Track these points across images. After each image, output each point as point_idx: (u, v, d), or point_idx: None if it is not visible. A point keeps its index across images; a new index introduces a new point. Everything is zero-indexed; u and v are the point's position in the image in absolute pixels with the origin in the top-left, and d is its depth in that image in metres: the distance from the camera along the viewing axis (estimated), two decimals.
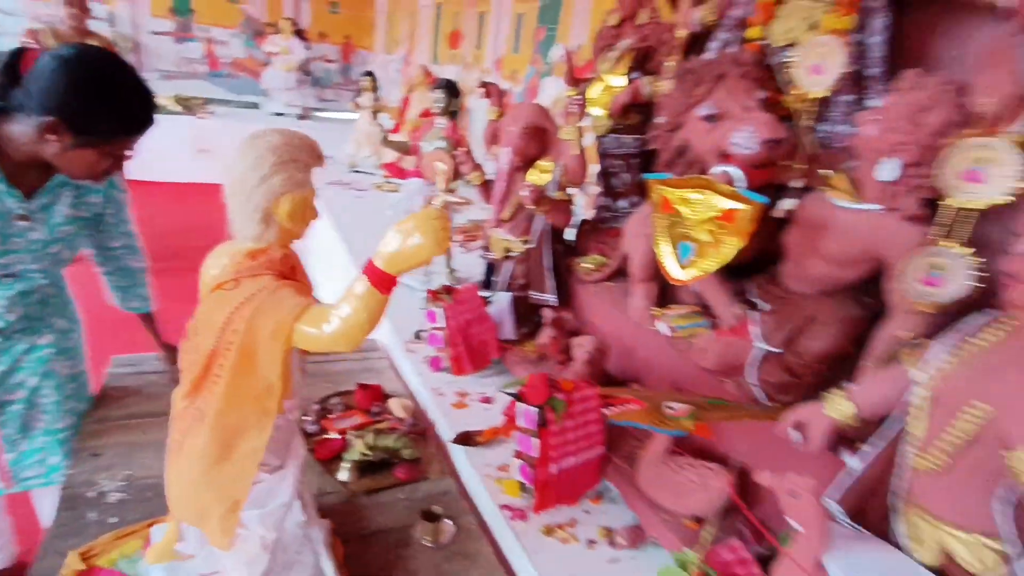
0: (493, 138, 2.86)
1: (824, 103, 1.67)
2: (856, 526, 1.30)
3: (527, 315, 2.72)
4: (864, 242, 1.57)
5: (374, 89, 6.14)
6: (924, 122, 1.38)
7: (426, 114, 5.62)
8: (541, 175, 2.42)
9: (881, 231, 1.53)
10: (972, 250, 1.36)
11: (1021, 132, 1.29)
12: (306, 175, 1.16)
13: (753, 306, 1.90)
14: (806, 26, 1.76)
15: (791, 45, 1.77)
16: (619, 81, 2.49)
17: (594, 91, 2.57)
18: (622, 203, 2.75)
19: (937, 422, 1.10)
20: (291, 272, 1.22)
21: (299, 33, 9.26)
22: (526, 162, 2.56)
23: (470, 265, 3.35)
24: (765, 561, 1.35)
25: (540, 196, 2.41)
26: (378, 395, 2.44)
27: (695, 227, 1.65)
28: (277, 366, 1.12)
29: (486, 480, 2.00)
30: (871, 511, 1.33)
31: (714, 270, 1.65)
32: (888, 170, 1.47)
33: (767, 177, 1.74)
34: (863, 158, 1.53)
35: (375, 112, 6.20)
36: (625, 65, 2.49)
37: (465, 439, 2.18)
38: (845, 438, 1.46)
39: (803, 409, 1.45)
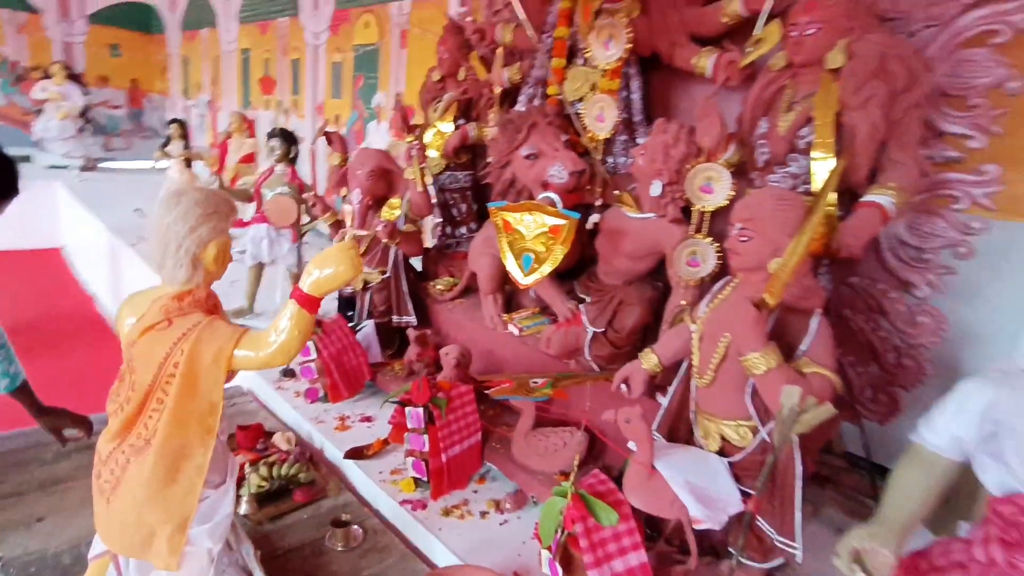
0: (338, 182, 3.11)
1: (608, 142, 2.26)
2: (671, 443, 1.82)
3: (390, 338, 2.99)
4: (649, 241, 2.15)
5: (184, 137, 5.91)
6: (672, 155, 1.99)
7: (247, 159, 5.58)
8: (392, 211, 2.74)
9: (658, 232, 2.12)
10: (713, 239, 1.99)
11: (729, 159, 1.95)
12: (227, 224, 1.37)
13: (580, 300, 2.42)
14: (588, 86, 2.35)
15: (580, 99, 2.34)
16: (448, 127, 2.93)
17: (428, 136, 2.96)
18: (462, 230, 3.17)
19: (705, 352, 1.65)
20: (214, 309, 1.41)
21: (74, 77, 8.39)
22: (376, 201, 2.86)
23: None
24: (617, 482, 1.81)
25: (393, 230, 2.73)
26: (259, 433, 2.53)
27: (532, 241, 2.11)
28: (220, 387, 1.30)
29: (383, 485, 2.24)
30: (679, 431, 1.87)
31: (549, 273, 2.11)
32: (655, 189, 2.06)
33: (577, 199, 2.27)
34: (639, 181, 2.12)
35: (188, 161, 5.96)
36: (452, 114, 2.94)
37: (356, 454, 2.39)
38: (657, 385, 2.00)
39: (626, 367, 1.96)
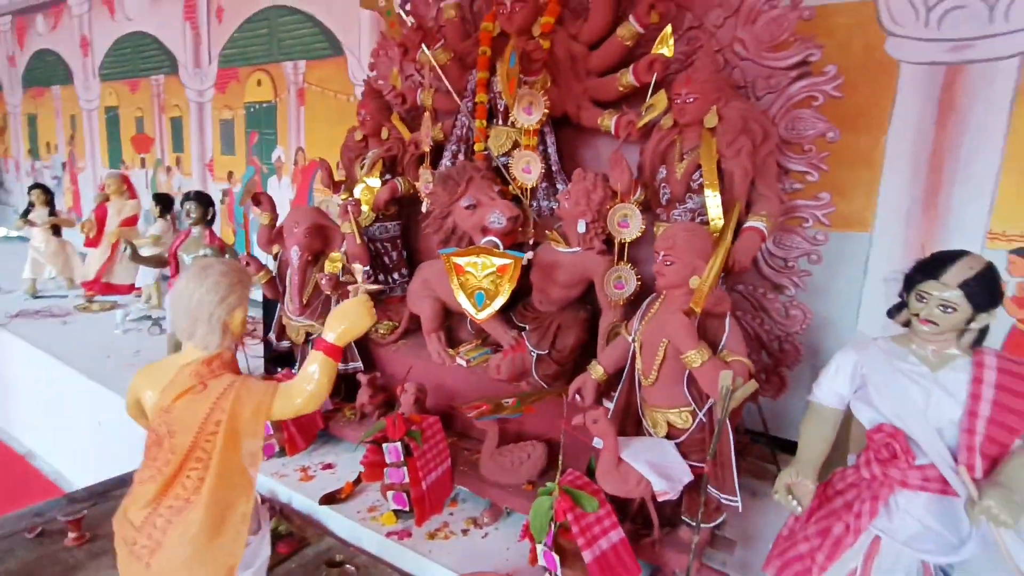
0: (269, 240, 3.19)
1: (533, 190, 2.63)
2: (627, 437, 2.17)
3: (338, 385, 3.10)
4: (579, 271, 2.53)
5: (49, 203, 5.50)
6: (592, 198, 2.40)
7: (129, 222, 5.31)
8: (335, 264, 2.89)
9: (586, 263, 2.51)
10: (632, 265, 2.41)
11: (637, 199, 2.39)
12: (248, 292, 1.52)
13: (519, 328, 2.74)
14: (510, 143, 2.72)
15: (506, 154, 2.70)
16: (376, 182, 3.15)
17: (357, 191, 3.16)
18: (394, 276, 3.37)
19: (647, 357, 2.04)
20: (238, 370, 1.54)
21: None
22: (313, 256, 2.99)
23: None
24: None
25: (336, 282, 2.88)
26: None
27: (482, 280, 2.40)
28: (260, 439, 1.44)
29: (364, 523, 2.37)
30: (628, 426, 2.23)
31: (500, 306, 2.41)
32: (580, 227, 2.45)
33: (513, 240, 2.60)
34: (565, 221, 2.50)
35: (55, 228, 5.53)
36: (379, 170, 3.17)
37: (331, 499, 2.49)
38: (602, 392, 2.35)
39: (577, 379, 2.29)
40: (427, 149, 2.86)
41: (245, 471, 1.45)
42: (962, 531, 1.49)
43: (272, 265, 3.15)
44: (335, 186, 3.31)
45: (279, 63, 4.85)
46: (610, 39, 2.51)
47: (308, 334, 3.07)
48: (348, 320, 1.52)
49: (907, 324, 1.60)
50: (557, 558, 1.88)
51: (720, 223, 2.15)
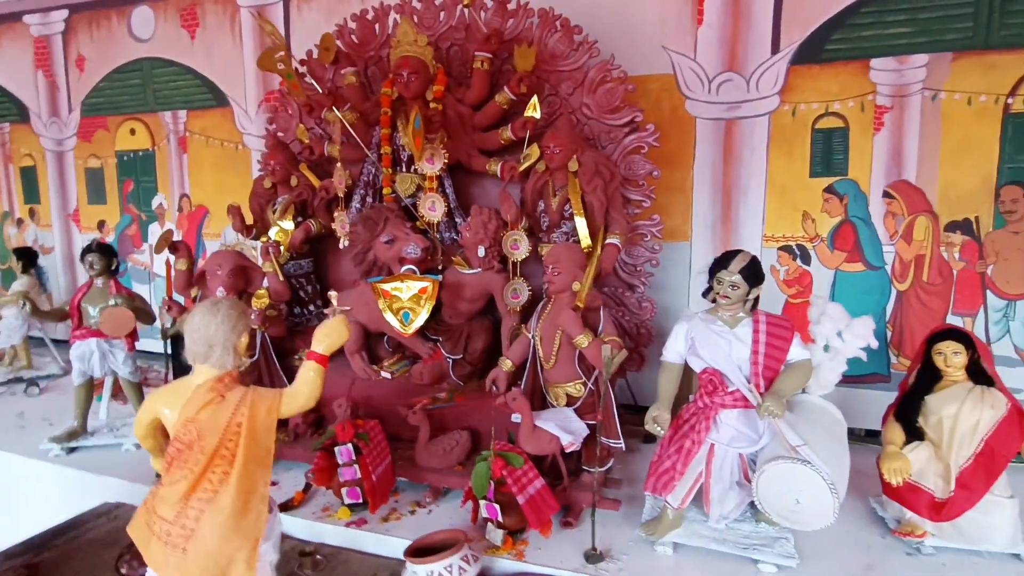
0: (188, 284, 3.40)
1: (439, 224, 3.20)
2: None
3: None
4: (481, 288, 3.13)
5: None
6: (489, 228, 3.03)
7: None
8: (261, 301, 3.20)
9: (486, 281, 3.12)
10: (523, 278, 3.07)
11: (523, 227, 3.06)
12: (249, 321, 1.91)
13: (434, 340, 3.27)
14: (415, 186, 3.27)
15: (412, 196, 3.24)
16: (289, 225, 3.50)
17: (272, 233, 3.49)
18: (310, 308, 3.72)
19: (546, 347, 2.68)
20: (245, 383, 1.92)
21: None
22: (237, 295, 3.28)
23: None
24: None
25: (264, 316, 3.20)
26: None
27: (407, 302, 2.91)
28: (273, 435, 1.84)
29: (321, 521, 2.73)
30: (534, 403, 2.85)
31: (423, 323, 2.93)
32: (480, 252, 3.06)
33: (425, 267, 3.15)
34: (467, 248, 3.10)
35: None
36: (291, 213, 3.53)
37: (285, 507, 2.81)
38: (512, 381, 2.95)
39: (492, 372, 2.88)
40: (341, 194, 3.30)
41: (262, 461, 1.83)
42: (759, 430, 2.30)
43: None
44: (247, 230, 3.60)
45: (155, 112, 4.92)
46: (490, 104, 3.18)
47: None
48: (333, 335, 1.98)
49: (714, 301, 2.41)
50: (498, 507, 2.43)
51: (588, 241, 2.88)
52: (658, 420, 2.33)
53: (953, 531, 2.40)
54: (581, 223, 2.90)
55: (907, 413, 2.53)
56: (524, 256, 3.05)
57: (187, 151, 4.87)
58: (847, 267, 3.37)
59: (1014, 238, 3.10)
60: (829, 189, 3.36)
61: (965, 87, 3.07)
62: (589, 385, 2.63)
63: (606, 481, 2.82)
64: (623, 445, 2.58)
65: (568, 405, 2.70)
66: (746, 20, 3.37)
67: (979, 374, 2.46)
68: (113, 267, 3.61)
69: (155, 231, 5.09)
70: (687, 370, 2.51)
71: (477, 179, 3.37)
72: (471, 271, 3.12)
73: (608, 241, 2.89)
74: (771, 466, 2.14)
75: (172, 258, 3.33)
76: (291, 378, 3.48)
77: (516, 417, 2.71)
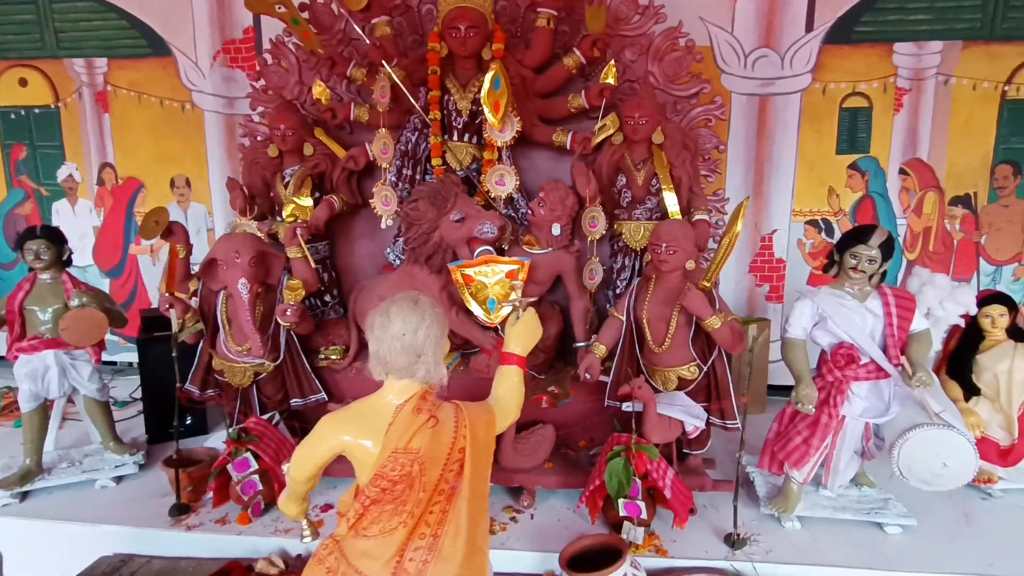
0: (187, 276, 2.74)
1: (509, 199, 2.87)
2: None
3: (292, 427, 2.87)
4: (551, 268, 2.88)
5: None
6: (566, 204, 2.78)
7: None
8: (295, 293, 2.66)
9: (557, 261, 2.87)
10: (598, 258, 2.87)
11: (598, 206, 2.84)
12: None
13: (493, 329, 2.97)
14: (470, 158, 2.90)
15: (465, 168, 2.87)
16: (307, 201, 2.95)
17: (287, 211, 2.91)
18: (327, 298, 3.20)
19: (656, 329, 2.53)
20: (444, 396, 1.55)
21: None
22: (262, 287, 2.70)
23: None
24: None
25: (302, 312, 2.68)
26: (242, 571, 2.23)
27: (492, 287, 2.58)
28: (491, 456, 1.51)
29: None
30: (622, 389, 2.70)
31: (509, 310, 2.62)
32: (555, 230, 2.81)
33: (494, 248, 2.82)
34: (539, 225, 2.83)
35: None
36: (308, 188, 2.97)
37: None
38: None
39: (586, 359, 2.66)
40: (386, 165, 2.83)
41: (484, 490, 1.50)
42: (886, 400, 2.37)
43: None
44: (248, 209, 2.97)
45: (58, 59, 3.88)
46: (556, 66, 2.90)
47: (257, 374, 2.76)
48: (530, 331, 1.67)
49: (836, 275, 2.42)
50: (643, 504, 2.27)
51: (679, 216, 2.75)
52: (808, 398, 2.31)
53: (1017, 474, 2.69)
54: (672, 198, 2.76)
55: (962, 371, 2.78)
56: (602, 234, 2.85)
57: (108, 110, 3.92)
58: None
59: (1004, 211, 3.51)
60: (853, 166, 3.56)
61: (971, 73, 3.39)
62: (706, 367, 2.53)
63: (704, 462, 2.77)
64: (740, 425, 2.54)
65: (679, 388, 2.59)
66: None
67: (1018, 333, 2.76)
68: (65, 257, 2.80)
69: (62, 209, 4.07)
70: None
71: (526, 150, 3.06)
72: (542, 251, 2.86)
73: (698, 217, 2.79)
74: (915, 433, 2.22)
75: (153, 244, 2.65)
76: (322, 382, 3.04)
77: (628, 406, 2.55)
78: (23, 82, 3.94)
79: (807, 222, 3.65)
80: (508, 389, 1.61)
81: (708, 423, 2.54)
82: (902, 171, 3.54)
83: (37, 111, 3.97)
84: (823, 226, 3.64)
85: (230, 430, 2.55)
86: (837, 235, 3.64)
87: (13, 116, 3.99)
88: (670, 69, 2.96)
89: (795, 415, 2.46)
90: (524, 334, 1.68)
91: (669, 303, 2.52)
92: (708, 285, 2.42)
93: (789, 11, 3.42)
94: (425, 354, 1.45)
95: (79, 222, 4.02)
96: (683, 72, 2.96)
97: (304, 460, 1.48)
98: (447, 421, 1.45)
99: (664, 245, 2.46)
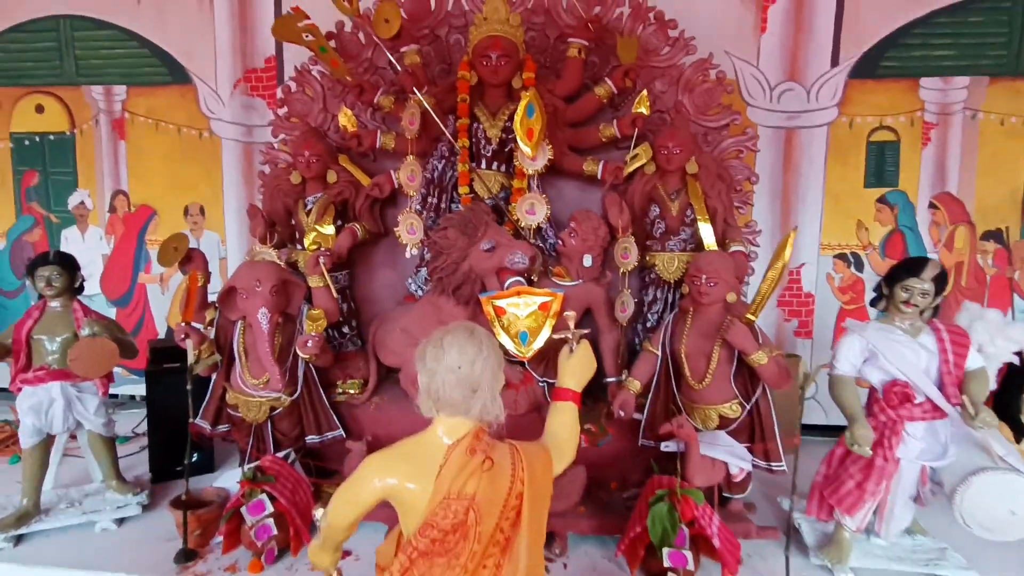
0: (204, 305, 2.63)
1: (537, 229, 2.79)
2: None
3: (306, 465, 2.72)
4: (581, 300, 2.77)
5: None
6: (598, 234, 2.70)
7: None
8: (317, 324, 2.55)
9: (587, 293, 2.77)
10: (630, 290, 2.77)
11: (630, 236, 2.76)
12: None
13: (519, 362, 2.85)
14: (498, 186, 2.84)
15: (498, 195, 2.80)
16: (329, 229, 2.86)
17: (308, 239, 2.82)
18: (345, 329, 3.08)
19: (695, 364, 2.42)
20: (498, 434, 1.42)
21: None
22: (282, 316, 2.59)
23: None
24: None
25: (323, 344, 2.56)
26: None
27: (524, 320, 2.47)
28: (549, 500, 1.38)
29: None
30: (656, 427, 2.57)
31: (543, 343, 2.51)
32: (587, 261, 2.72)
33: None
34: (570, 256, 2.74)
35: None
36: (331, 216, 2.89)
37: None
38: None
39: (619, 396, 2.54)
40: (413, 193, 2.75)
41: (541, 538, 1.36)
42: (943, 441, 2.24)
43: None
44: (269, 237, 2.88)
45: (76, 86, 3.85)
46: (587, 96, 2.86)
47: (272, 409, 2.62)
48: (584, 366, 1.56)
49: (885, 309, 2.32)
50: (689, 554, 2.11)
51: (715, 247, 2.67)
52: (865, 438, 2.18)
53: None
54: (707, 229, 2.69)
55: (1008, 411, 2.65)
56: (634, 265, 2.77)
57: (125, 137, 3.87)
58: None
59: None
60: (882, 199, 3.50)
61: (998, 108, 3.37)
62: (749, 406, 2.41)
63: (744, 507, 2.61)
64: (785, 467, 2.40)
65: (720, 427, 2.45)
66: (807, 31, 3.42)
67: None
68: (78, 284, 2.69)
69: (72, 237, 3.97)
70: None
71: (560, 180, 3.00)
72: (572, 283, 2.76)
73: (735, 248, 2.71)
74: (980, 477, 2.09)
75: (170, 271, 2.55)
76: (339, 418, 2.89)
77: (667, 445, 2.42)
78: (40, 108, 3.90)
79: (836, 256, 3.58)
80: (563, 427, 1.49)
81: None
82: (932, 205, 3.49)
83: (52, 137, 3.91)
84: (852, 260, 3.57)
85: (245, 469, 2.41)
86: (867, 269, 3.57)
87: (27, 143, 3.93)
88: (700, 100, 2.93)
89: (845, 457, 2.33)
90: (580, 368, 1.57)
91: (709, 337, 2.41)
92: (754, 318, 2.31)
93: (814, 46, 3.42)
94: (481, 388, 1.33)
95: (88, 249, 3.92)
96: (714, 103, 2.93)
97: (345, 505, 1.34)
98: (503, 463, 1.32)
99: (704, 277, 2.37)
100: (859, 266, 3.57)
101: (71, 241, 3.95)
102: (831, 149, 3.49)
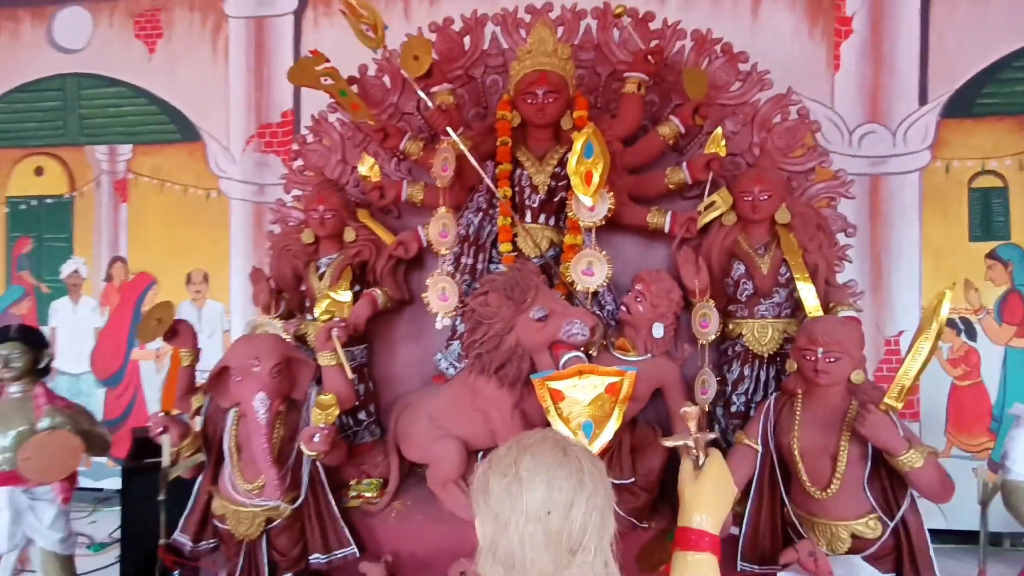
0: (191, 389, 2.15)
1: (594, 294, 2.31)
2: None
3: None
4: (652, 380, 2.24)
5: None
6: (671, 298, 2.21)
7: None
8: (328, 414, 2.04)
9: (657, 370, 2.25)
10: (711, 366, 2.25)
11: (708, 301, 2.26)
12: None
13: None
14: (547, 243, 2.39)
15: (545, 254, 2.34)
16: (346, 296, 2.41)
17: (320, 308, 2.36)
18: (361, 416, 2.57)
19: (814, 466, 1.85)
20: None
21: None
22: (284, 403, 2.09)
23: None
24: None
25: (334, 438, 2.04)
26: None
27: (588, 406, 1.94)
28: None
29: None
30: (759, 547, 1.97)
31: (611, 436, 1.97)
32: (658, 331, 2.22)
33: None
34: (637, 325, 2.23)
35: None
36: (348, 280, 2.44)
37: None
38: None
39: None
40: (444, 251, 2.31)
41: None
42: None
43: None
44: (274, 305, 2.44)
45: (79, 146, 3.58)
46: (648, 136, 2.46)
47: (268, 521, 2.07)
48: (720, 490, 1.02)
49: None
50: None
51: (818, 312, 2.15)
52: None
53: None
54: (808, 290, 2.18)
55: None
56: (714, 336, 2.25)
57: (127, 199, 3.54)
58: (1018, 343, 2.95)
59: None
60: (992, 255, 2.99)
61: None
62: (894, 523, 1.81)
63: None
64: None
65: (852, 551, 1.85)
66: (887, 69, 3.03)
67: None
68: (43, 365, 2.24)
69: (62, 309, 3.58)
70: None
71: (617, 235, 2.53)
72: (639, 358, 2.24)
73: (845, 313, 2.19)
74: None
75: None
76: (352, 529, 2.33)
77: (784, 574, 1.81)
78: (39, 171, 3.62)
79: None
80: None
81: None
82: None
83: (49, 201, 3.61)
84: (962, 326, 3.00)
85: None
86: (980, 337, 3.00)
87: (23, 207, 3.63)
88: (782, 141, 2.50)
89: None
90: (715, 495, 1.02)
91: (832, 429, 1.85)
92: (899, 405, 1.76)
93: (897, 84, 3.02)
94: (586, 549, 0.80)
95: (80, 321, 3.52)
96: (796, 143, 2.50)
97: None
98: None
99: (822, 350, 1.84)
100: (971, 334, 3.00)
101: (61, 314, 3.56)
102: (926, 197, 3.02)
